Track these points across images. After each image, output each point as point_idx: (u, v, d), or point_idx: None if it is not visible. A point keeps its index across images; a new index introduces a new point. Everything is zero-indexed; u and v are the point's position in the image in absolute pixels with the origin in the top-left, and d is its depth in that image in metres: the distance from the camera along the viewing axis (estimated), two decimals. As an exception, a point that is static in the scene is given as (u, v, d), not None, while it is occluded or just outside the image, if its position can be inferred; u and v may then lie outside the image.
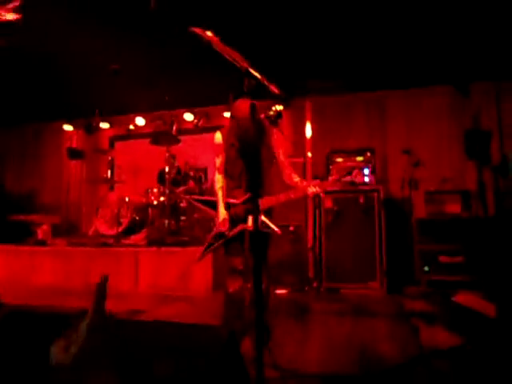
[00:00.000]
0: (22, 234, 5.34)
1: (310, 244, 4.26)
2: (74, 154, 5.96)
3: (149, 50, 4.53)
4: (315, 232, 4.27)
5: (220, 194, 2.76)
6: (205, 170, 5.55)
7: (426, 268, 3.99)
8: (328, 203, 4.16)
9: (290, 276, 4.10)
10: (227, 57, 1.76)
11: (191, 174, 5.28)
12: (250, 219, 3.04)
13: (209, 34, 1.75)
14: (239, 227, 3.13)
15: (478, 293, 3.17)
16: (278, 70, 3.63)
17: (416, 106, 5.02)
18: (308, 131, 4.68)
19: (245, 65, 1.72)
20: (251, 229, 3.01)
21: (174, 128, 5.69)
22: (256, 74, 1.73)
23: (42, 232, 5.00)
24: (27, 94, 5.43)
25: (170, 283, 3.93)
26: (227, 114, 5.65)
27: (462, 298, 2.96)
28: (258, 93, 1.80)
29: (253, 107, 1.78)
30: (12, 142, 6.73)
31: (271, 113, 3.74)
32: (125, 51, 4.55)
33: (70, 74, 4.89)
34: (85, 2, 3.49)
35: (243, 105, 2.78)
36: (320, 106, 5.08)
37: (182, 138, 5.48)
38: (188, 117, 5.92)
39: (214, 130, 5.91)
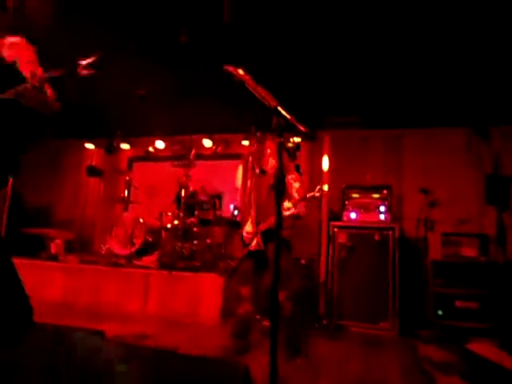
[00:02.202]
0: (35, 248, 5.39)
1: (321, 279, 4.21)
2: (93, 171, 6.08)
3: (173, 77, 4.68)
4: (327, 267, 4.23)
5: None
6: (220, 196, 5.61)
7: (440, 312, 3.89)
8: (342, 238, 4.14)
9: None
10: (256, 94, 1.83)
11: (206, 199, 5.33)
12: (253, 241, 3.14)
13: (240, 72, 1.83)
14: (246, 250, 3.19)
15: (493, 341, 3.07)
16: (297, 104, 3.72)
17: (433, 145, 5.03)
18: (325, 165, 4.71)
19: (274, 103, 1.77)
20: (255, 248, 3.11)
21: (193, 153, 5.79)
22: (284, 113, 1.78)
23: (55, 247, 5.05)
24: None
25: (179, 308, 3.90)
26: (245, 143, 5.75)
27: (478, 347, 2.86)
28: (285, 130, 1.85)
29: (280, 147, 1.83)
30: (33, 156, 6.91)
31: (290, 145, 3.78)
32: (149, 77, 4.72)
33: (95, 96, 5.06)
34: (111, 29, 3.66)
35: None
36: (337, 140, 5.14)
37: (199, 163, 5.59)
38: (207, 143, 6.04)
39: (232, 157, 6.09)
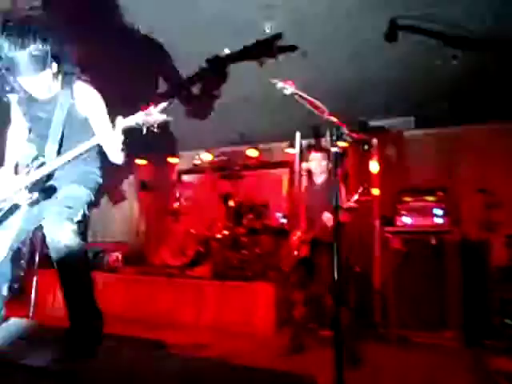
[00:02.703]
0: (96, 260, 5.68)
1: (376, 287, 4.08)
2: (145, 186, 6.35)
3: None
4: (382, 274, 4.09)
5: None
6: (266, 205, 5.63)
7: (509, 321, 3.63)
8: (396, 244, 3.99)
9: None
10: (308, 105, 1.84)
11: (253, 208, 5.37)
12: (303, 248, 3.18)
13: (290, 84, 1.85)
14: (295, 257, 3.22)
15: None
16: (343, 107, 3.67)
17: (492, 142, 4.74)
18: (374, 168, 4.59)
19: (326, 114, 1.77)
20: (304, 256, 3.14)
21: (238, 163, 5.88)
22: (337, 121, 1.77)
23: (113, 259, 5.31)
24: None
25: (233, 317, 3.94)
26: (289, 150, 5.75)
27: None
28: (337, 138, 1.84)
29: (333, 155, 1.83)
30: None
31: (336, 150, 3.74)
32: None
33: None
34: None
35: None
36: (386, 142, 4.99)
37: (245, 173, 5.66)
38: (251, 153, 6.11)
39: (276, 165, 6.10)
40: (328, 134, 1.86)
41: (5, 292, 2.31)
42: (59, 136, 2.13)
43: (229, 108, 5.02)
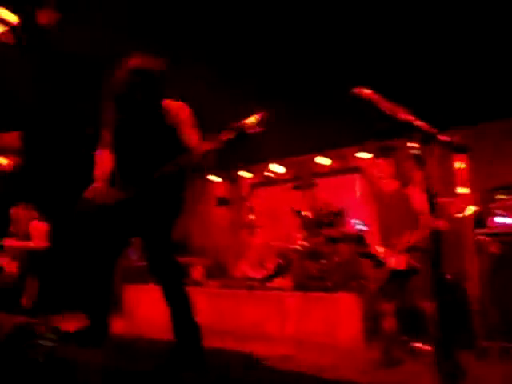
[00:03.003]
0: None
1: (472, 295, 3.76)
2: (221, 201, 6.60)
3: (286, 101, 4.85)
4: (476, 281, 3.76)
5: None
6: (342, 213, 5.51)
7: None
8: (491, 247, 3.65)
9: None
10: (387, 111, 1.78)
11: (329, 217, 5.30)
12: (396, 260, 3.03)
13: (366, 91, 1.81)
14: (387, 269, 3.07)
15: None
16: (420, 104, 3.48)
17: None
18: (459, 167, 4.27)
19: (409, 118, 1.71)
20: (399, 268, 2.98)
21: (309, 172, 5.86)
22: (423, 126, 1.70)
23: (196, 273, 5.57)
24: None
25: (317, 329, 3.89)
26: (361, 155, 5.59)
27: None
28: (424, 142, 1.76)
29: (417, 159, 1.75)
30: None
31: (415, 151, 3.53)
32: (263, 103, 4.97)
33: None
34: (230, 59, 3.95)
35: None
36: (472, 136, 4.61)
37: (317, 181, 5.61)
38: (322, 160, 6.05)
39: (349, 171, 5.96)
40: (411, 137, 1.79)
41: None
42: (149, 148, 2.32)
43: (297, 117, 5.05)
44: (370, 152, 5.30)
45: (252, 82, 4.19)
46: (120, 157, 2.42)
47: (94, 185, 2.34)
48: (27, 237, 4.24)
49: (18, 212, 4.20)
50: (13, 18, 2.93)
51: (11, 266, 4.19)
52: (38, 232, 4.28)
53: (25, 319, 2.36)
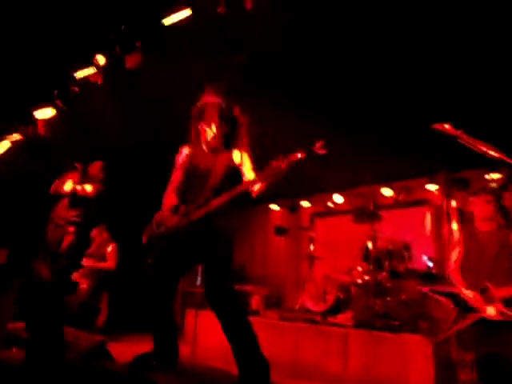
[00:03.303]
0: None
1: None
2: (280, 231, 6.59)
3: (351, 132, 4.81)
4: None
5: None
6: (407, 247, 5.24)
7: None
8: None
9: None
10: (472, 147, 1.70)
11: (394, 251, 5.06)
12: (491, 308, 2.71)
13: (447, 126, 1.75)
14: (475, 316, 2.79)
15: None
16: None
17: None
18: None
19: (497, 154, 1.61)
20: (492, 318, 2.68)
21: (373, 204, 5.68)
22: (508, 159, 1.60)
23: (255, 302, 5.54)
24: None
25: (384, 373, 3.64)
26: (430, 187, 5.34)
27: None
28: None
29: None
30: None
31: (493, 185, 3.29)
32: (327, 133, 4.97)
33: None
34: (295, 90, 4.03)
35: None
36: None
37: (382, 213, 5.42)
38: (387, 192, 5.86)
39: (416, 204, 5.71)
40: (492, 170, 1.69)
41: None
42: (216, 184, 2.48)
43: (362, 147, 4.99)
44: (439, 184, 5.05)
45: (317, 111, 4.23)
46: (187, 190, 2.60)
47: (160, 213, 2.53)
48: (103, 258, 4.54)
49: (96, 234, 4.54)
50: (101, 61, 3.28)
51: (84, 284, 4.49)
52: (112, 254, 4.57)
53: (101, 338, 2.49)
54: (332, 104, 4.13)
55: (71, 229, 3.90)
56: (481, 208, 2.94)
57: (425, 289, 3.78)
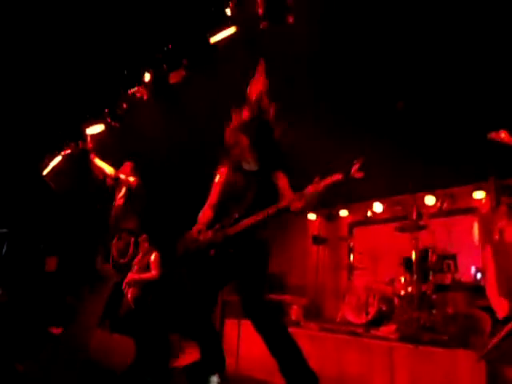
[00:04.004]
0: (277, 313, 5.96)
1: None
2: (318, 240, 6.53)
3: (392, 139, 4.72)
4: None
5: None
6: (454, 257, 5.03)
7: None
8: None
9: None
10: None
11: (440, 262, 4.87)
12: None
13: (503, 135, 1.69)
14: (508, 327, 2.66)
15: None
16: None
17: None
18: None
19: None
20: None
21: (415, 213, 5.51)
22: None
23: (294, 313, 5.49)
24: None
25: (432, 390, 3.49)
26: (477, 195, 5.12)
27: None
28: None
29: None
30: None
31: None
32: (366, 145, 4.89)
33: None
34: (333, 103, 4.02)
35: None
36: None
37: (425, 222, 5.24)
38: (430, 200, 5.67)
39: (460, 213, 5.48)
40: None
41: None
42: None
43: (404, 154, 4.88)
44: (486, 191, 4.82)
45: (358, 118, 4.20)
46: (224, 207, 2.68)
47: (196, 227, 2.61)
48: (146, 267, 4.68)
49: (141, 243, 4.70)
50: (147, 77, 3.42)
51: (129, 293, 4.64)
52: (155, 262, 4.70)
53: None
54: (374, 110, 4.08)
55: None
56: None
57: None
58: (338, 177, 2.28)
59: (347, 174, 2.25)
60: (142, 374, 2.50)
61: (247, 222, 2.43)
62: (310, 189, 2.32)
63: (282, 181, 2.62)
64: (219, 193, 2.71)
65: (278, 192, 2.59)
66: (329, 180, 2.30)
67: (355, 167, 2.20)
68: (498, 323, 2.97)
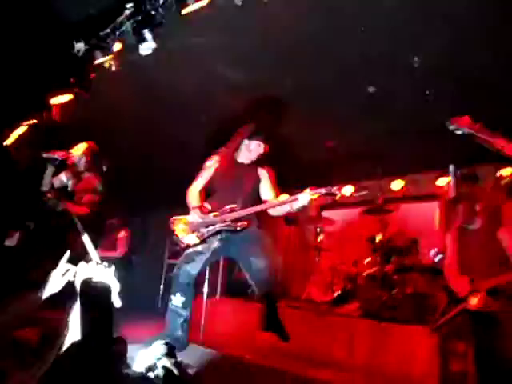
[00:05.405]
0: (244, 292, 6.05)
1: None
2: (289, 221, 6.61)
3: (359, 125, 4.79)
4: None
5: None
6: (416, 241, 5.25)
7: None
8: None
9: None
10: (487, 143, 1.72)
11: (402, 245, 5.08)
12: (474, 299, 2.76)
13: (466, 120, 1.76)
14: (461, 306, 2.84)
15: None
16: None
17: None
18: None
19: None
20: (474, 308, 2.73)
21: (381, 198, 5.69)
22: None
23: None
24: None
25: (389, 363, 3.70)
26: (440, 182, 5.33)
27: None
28: None
29: None
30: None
31: (506, 181, 3.29)
32: (338, 130, 4.97)
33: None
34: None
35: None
36: None
37: (390, 207, 5.43)
38: (395, 185, 5.86)
39: (425, 198, 5.69)
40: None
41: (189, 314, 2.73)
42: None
43: (372, 140, 4.99)
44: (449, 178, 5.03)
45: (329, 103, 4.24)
46: (218, 193, 3.02)
47: (198, 209, 2.89)
48: (114, 246, 4.62)
49: (110, 223, 4.60)
50: (117, 47, 3.30)
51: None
52: (123, 241, 4.65)
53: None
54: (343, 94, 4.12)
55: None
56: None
57: None
58: (321, 191, 2.78)
59: (329, 193, 2.77)
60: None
61: (250, 210, 2.81)
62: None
63: (270, 180, 3.06)
64: (208, 178, 3.01)
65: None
66: (314, 193, 2.79)
67: (336, 188, 2.69)
68: (452, 303, 3.13)
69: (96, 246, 2.55)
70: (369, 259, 5.03)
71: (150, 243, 8.17)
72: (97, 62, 3.04)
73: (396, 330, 3.83)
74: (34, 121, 3.74)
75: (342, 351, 4.04)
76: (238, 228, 2.77)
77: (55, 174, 3.45)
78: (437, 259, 5.01)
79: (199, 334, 4.45)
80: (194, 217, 2.82)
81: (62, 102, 3.38)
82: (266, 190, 3.03)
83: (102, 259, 4.47)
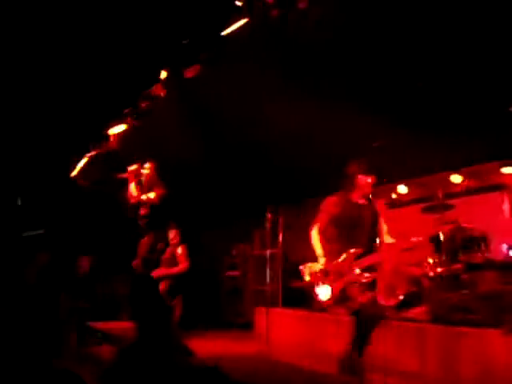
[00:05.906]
0: (302, 300, 6.02)
1: None
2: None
3: (411, 120, 4.62)
4: None
5: None
6: (485, 236, 4.90)
7: None
8: None
9: None
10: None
11: (468, 241, 4.76)
12: None
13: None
14: None
15: None
16: None
17: None
18: None
19: None
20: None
21: (441, 193, 5.39)
22: None
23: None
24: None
25: (466, 371, 3.47)
26: (507, 170, 4.95)
27: None
28: None
29: None
30: (292, 216, 7.99)
31: None
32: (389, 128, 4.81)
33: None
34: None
35: None
36: None
37: (452, 202, 5.13)
38: (455, 179, 5.53)
39: (488, 190, 5.32)
40: None
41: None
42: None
43: (426, 136, 4.77)
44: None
45: (377, 102, 4.14)
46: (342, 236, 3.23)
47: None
48: (174, 261, 4.80)
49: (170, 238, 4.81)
50: (162, 74, 3.47)
51: (162, 286, 4.78)
52: (182, 256, 4.82)
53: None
54: (393, 92, 4.01)
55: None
56: None
57: None
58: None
59: None
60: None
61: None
62: None
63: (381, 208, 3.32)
64: (328, 222, 3.20)
65: None
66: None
67: None
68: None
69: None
70: (433, 259, 4.76)
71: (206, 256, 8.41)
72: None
73: (469, 335, 3.58)
74: (94, 152, 4.05)
75: (411, 359, 3.86)
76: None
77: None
78: (510, 254, 4.65)
79: (265, 345, 4.48)
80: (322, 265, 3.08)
81: (118, 131, 3.62)
82: (382, 223, 3.28)
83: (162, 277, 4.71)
